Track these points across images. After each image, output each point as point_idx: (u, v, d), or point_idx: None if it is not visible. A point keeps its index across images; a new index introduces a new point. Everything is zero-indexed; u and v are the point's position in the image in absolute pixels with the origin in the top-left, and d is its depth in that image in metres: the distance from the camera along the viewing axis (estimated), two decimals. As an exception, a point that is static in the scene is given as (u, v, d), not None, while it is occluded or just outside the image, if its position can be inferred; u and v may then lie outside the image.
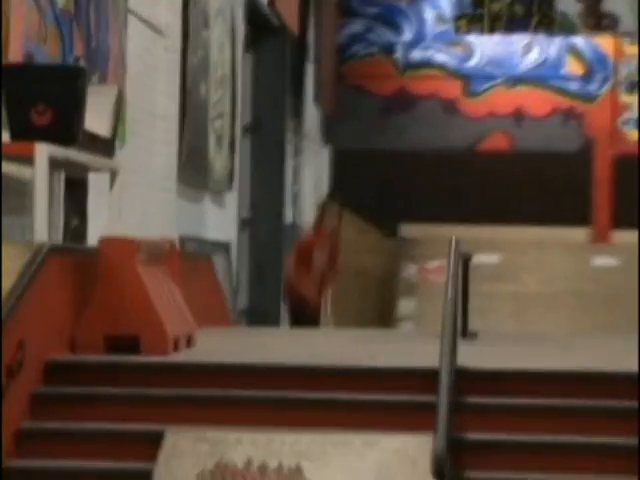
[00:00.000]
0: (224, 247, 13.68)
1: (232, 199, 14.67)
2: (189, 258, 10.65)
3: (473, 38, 20.69)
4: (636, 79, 20.42)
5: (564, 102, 19.92)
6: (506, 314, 16.84)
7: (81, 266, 7.50)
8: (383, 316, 17.83)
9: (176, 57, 11.99)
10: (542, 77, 20.28)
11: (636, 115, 19.79)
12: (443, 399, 6.12)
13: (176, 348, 7.45)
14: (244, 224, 15.59)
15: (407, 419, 6.18)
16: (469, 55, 20.60)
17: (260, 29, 15.61)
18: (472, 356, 7.37)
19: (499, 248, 17.40)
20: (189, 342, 7.82)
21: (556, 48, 20.76)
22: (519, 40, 20.85)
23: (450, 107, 20.31)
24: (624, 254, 17.48)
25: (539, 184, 18.36)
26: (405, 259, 18.35)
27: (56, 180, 8.60)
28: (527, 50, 20.72)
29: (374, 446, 6.36)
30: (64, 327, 7.40)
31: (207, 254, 11.77)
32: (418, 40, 20.68)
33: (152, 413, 6.63)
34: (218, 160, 13.72)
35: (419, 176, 19.79)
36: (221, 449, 6.39)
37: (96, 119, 8.29)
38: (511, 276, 17.20)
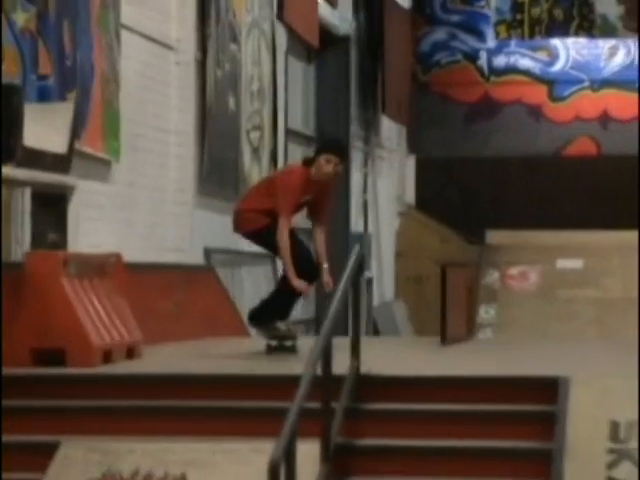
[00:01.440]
0: (269, 258, 13.34)
1: None
2: (187, 270, 10.73)
3: (557, 42, 20.19)
4: None
5: (650, 105, 20.64)
6: (588, 319, 16.17)
7: (8, 280, 7.26)
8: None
9: (190, 72, 11.74)
10: (628, 80, 19.69)
11: None
12: (325, 405, 6.19)
13: (108, 360, 7.39)
14: (310, 234, 14.84)
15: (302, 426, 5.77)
16: (553, 59, 20.05)
17: (323, 40, 15.00)
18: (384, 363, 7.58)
19: (583, 253, 16.86)
20: (131, 353, 7.74)
21: (642, 50, 21.88)
22: (604, 43, 20.34)
23: (535, 112, 19.91)
24: None
25: (625, 188, 17.77)
26: (487, 266, 17.64)
27: (18, 196, 8.49)
28: (612, 53, 20.19)
29: (262, 453, 6.11)
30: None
31: (210, 266, 11.44)
32: (502, 46, 20.26)
33: (53, 425, 6.53)
34: (256, 171, 13.38)
35: (505, 182, 19.41)
36: (111, 459, 6.37)
37: (49, 136, 8.37)
38: (593, 281, 16.54)
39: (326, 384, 6.43)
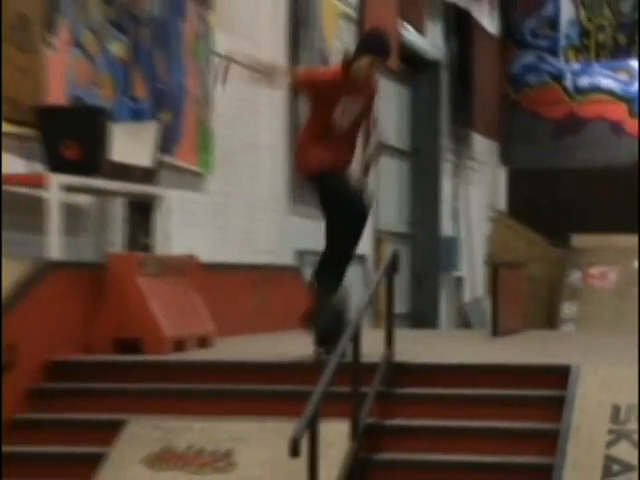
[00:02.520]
0: (360, 259, 12.96)
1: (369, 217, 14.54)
2: (273, 269, 10.64)
3: (635, 64, 19.59)
4: None
5: None
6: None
7: (88, 279, 7.51)
8: (549, 318, 17.08)
9: (281, 94, 11.54)
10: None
11: None
12: (355, 388, 6.10)
13: (181, 349, 7.48)
14: (404, 238, 15.64)
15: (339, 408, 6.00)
16: (632, 79, 19.56)
17: (415, 64, 15.31)
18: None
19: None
20: (204, 343, 7.80)
21: None
22: (679, 63, 21.85)
23: (616, 128, 19.54)
24: None
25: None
26: (571, 266, 17.26)
27: (109, 204, 8.76)
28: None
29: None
30: (72, 331, 7.54)
31: (296, 266, 11.39)
32: (585, 68, 19.88)
33: (122, 405, 6.64)
34: None
35: (588, 191, 19.09)
36: (170, 436, 6.46)
37: (136, 152, 8.36)
38: (671, 285, 16.37)
39: (356, 368, 6.46)
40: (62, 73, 8.43)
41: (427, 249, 15.79)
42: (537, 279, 16.97)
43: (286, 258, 11.51)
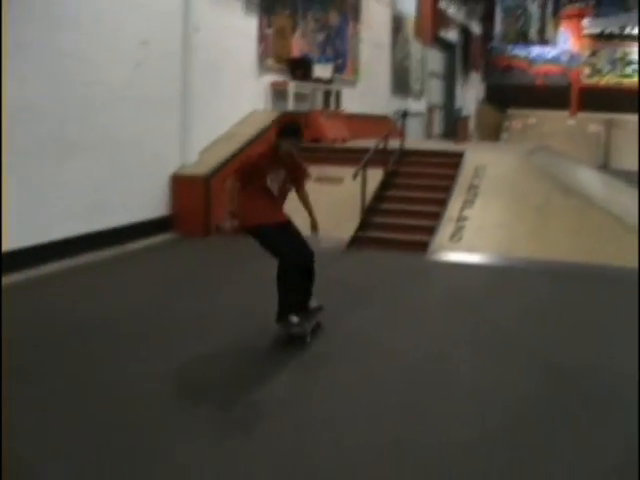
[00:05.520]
0: (421, 114, 20.73)
1: (422, 101, 21.50)
2: (376, 119, 15.34)
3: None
4: None
5: None
6: None
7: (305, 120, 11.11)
8: (496, 139, 26.66)
9: (387, 55, 18.41)
10: None
11: None
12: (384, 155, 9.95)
13: (334, 142, 11.92)
14: (441, 108, 24.32)
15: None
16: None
17: (446, 45, 24.82)
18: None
19: None
20: (343, 141, 12.38)
21: None
22: None
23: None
24: None
25: None
26: (506, 120, 27.84)
27: (319, 92, 13.59)
28: None
29: (374, 176, 10.23)
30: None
31: (389, 117, 15.89)
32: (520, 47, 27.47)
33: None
34: (416, 87, 20.80)
35: (524, 92, 27.71)
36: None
37: (323, 73, 13.73)
38: None
39: (384, 153, 10.69)
40: (298, 44, 13.29)
41: (450, 111, 24.08)
42: (492, 124, 25.73)
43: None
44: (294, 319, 5.76)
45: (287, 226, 5.89)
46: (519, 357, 5.38)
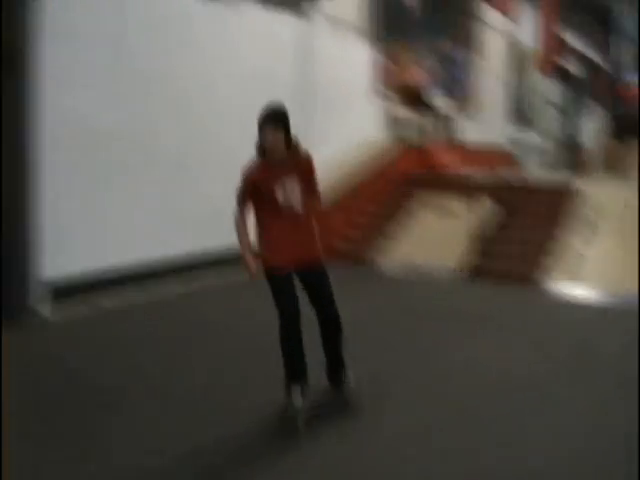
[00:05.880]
0: (539, 146, 20.92)
1: (540, 132, 21.43)
2: (493, 149, 16.63)
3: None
4: None
5: None
6: None
7: None
8: None
9: (504, 85, 18.56)
10: None
11: None
12: None
13: (452, 171, 12.73)
14: (554, 139, 22.87)
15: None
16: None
17: None
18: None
19: None
20: (461, 170, 12.95)
21: None
22: None
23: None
24: None
25: None
26: None
27: (435, 121, 14.57)
28: None
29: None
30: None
31: (506, 147, 17.47)
32: None
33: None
34: (533, 117, 20.99)
35: None
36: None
37: (439, 102, 14.30)
38: None
39: (500, 184, 12.01)
40: (412, 72, 13.61)
41: (570, 143, 23.11)
42: (616, 157, 21.98)
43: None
44: (296, 397, 4.53)
45: (312, 268, 4.54)
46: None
